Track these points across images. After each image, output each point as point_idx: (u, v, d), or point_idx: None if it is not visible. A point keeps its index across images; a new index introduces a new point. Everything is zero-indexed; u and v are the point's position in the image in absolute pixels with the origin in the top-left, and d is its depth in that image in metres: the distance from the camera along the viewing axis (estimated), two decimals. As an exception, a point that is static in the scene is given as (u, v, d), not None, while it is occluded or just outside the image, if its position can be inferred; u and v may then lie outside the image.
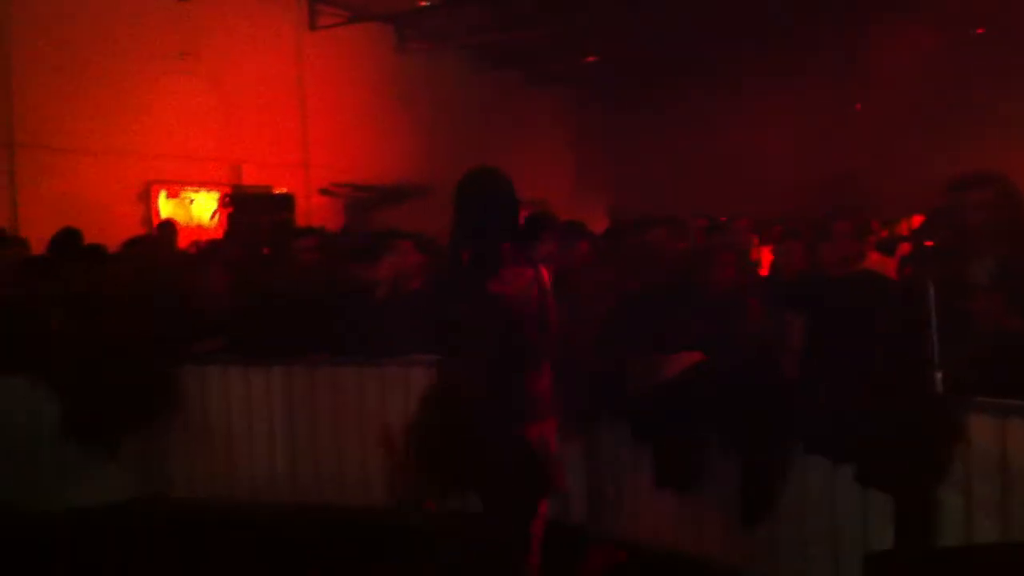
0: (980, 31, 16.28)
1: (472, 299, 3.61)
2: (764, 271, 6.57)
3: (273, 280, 6.71)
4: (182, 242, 9.02)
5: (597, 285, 5.39)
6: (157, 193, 12.30)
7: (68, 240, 7.45)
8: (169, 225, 8.96)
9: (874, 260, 5.40)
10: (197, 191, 12.83)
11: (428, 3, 15.07)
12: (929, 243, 6.57)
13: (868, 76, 17.07)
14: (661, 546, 4.92)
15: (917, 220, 7.79)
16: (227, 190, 12.51)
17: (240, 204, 11.30)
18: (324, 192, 14.64)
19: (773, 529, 4.44)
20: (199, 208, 12.74)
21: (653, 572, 4.80)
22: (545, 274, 3.76)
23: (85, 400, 5.83)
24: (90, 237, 7.37)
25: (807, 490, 4.34)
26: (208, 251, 8.21)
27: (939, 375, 3.99)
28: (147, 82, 11.93)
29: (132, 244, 7.69)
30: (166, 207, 12.31)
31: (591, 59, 18.26)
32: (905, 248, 6.78)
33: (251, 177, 13.50)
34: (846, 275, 4.86)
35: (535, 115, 19.47)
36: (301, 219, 12.98)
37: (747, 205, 12.99)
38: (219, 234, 11.13)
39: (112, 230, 8.22)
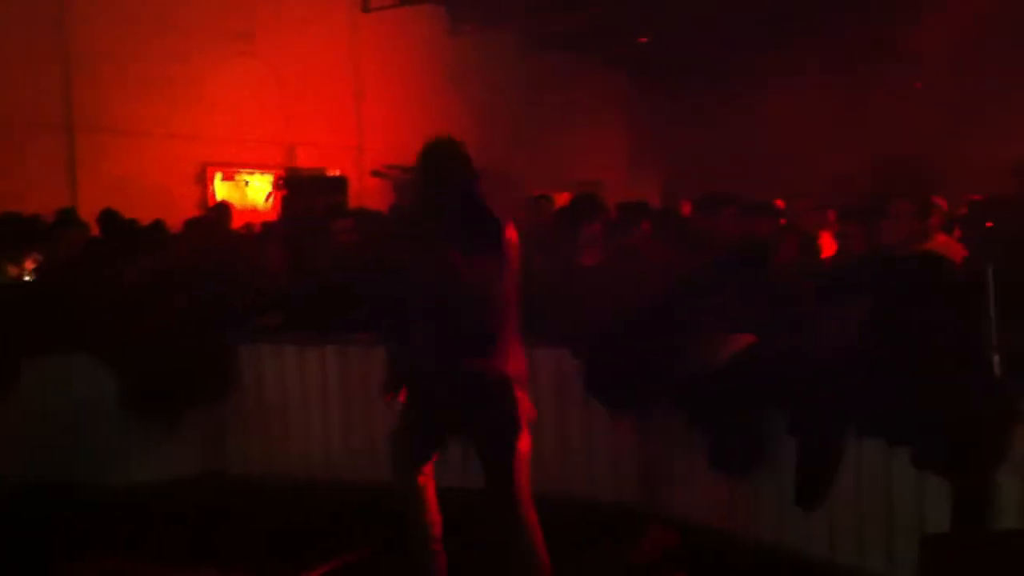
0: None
1: (428, 261, 3.78)
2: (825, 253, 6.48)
3: (326, 260, 6.78)
4: (236, 224, 9.15)
5: (656, 265, 5.37)
6: (213, 175, 12.48)
7: (109, 220, 7.65)
8: (224, 207, 9.08)
9: (940, 242, 5.27)
10: (252, 173, 12.98)
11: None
12: (989, 224, 6.45)
13: (926, 53, 16.70)
14: (714, 527, 4.90)
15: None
16: (281, 172, 12.64)
17: (294, 186, 11.40)
18: (376, 174, 14.72)
19: (828, 511, 4.40)
20: (254, 190, 12.89)
21: (706, 553, 4.77)
22: (513, 240, 3.85)
23: (146, 378, 5.96)
24: (148, 219, 7.52)
25: (863, 473, 4.30)
26: (265, 231, 8.32)
27: (997, 358, 3.94)
28: (203, 65, 12.06)
29: (191, 225, 7.83)
30: (222, 189, 12.47)
31: (643, 39, 18.10)
32: (958, 232, 6.65)
33: (305, 159, 13.62)
34: (906, 256, 4.77)
35: (588, 96, 19.33)
36: (354, 201, 13.06)
37: (802, 185, 12.85)
38: (273, 216, 11.26)
39: (169, 212, 8.33)
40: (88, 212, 8.06)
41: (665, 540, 4.89)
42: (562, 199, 8.67)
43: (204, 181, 12.37)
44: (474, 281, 3.74)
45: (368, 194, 13.97)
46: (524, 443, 3.94)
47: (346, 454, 6.02)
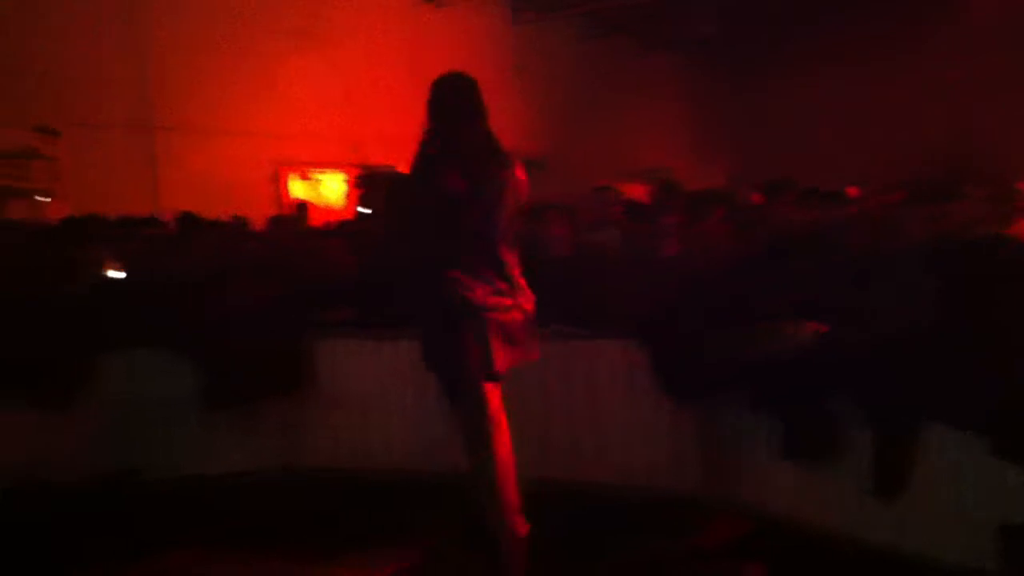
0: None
1: (427, 187, 4.03)
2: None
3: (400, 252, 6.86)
4: (314, 222, 9.33)
5: (726, 253, 5.37)
6: (286, 173, 12.69)
7: (189, 220, 7.89)
8: (303, 205, 9.29)
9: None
10: (323, 171, 13.18)
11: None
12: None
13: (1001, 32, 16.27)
14: (783, 517, 4.87)
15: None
16: (351, 170, 12.80)
17: (370, 184, 11.53)
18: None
19: (903, 501, 4.35)
20: (327, 188, 13.06)
21: (774, 543, 4.76)
22: (522, 180, 4.01)
23: (222, 372, 6.10)
24: (225, 217, 7.73)
25: (939, 461, 4.25)
26: (340, 226, 8.46)
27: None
28: (273, 62, 12.31)
29: (273, 223, 8.01)
30: (297, 187, 12.67)
31: (707, 23, 17.92)
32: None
33: (373, 156, 13.79)
34: (978, 239, 4.73)
35: (651, 82, 19.20)
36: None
37: (870, 170, 12.64)
38: (350, 214, 11.43)
39: (246, 211, 8.53)
40: (169, 210, 8.28)
41: (733, 530, 4.89)
42: (627, 189, 8.66)
43: (279, 179, 12.60)
44: (459, 204, 3.89)
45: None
46: (488, 383, 4.04)
47: (422, 447, 6.05)
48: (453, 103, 4.15)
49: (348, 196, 12.16)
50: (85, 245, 6.82)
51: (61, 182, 10.11)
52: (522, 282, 4.17)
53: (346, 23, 13.48)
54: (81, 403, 5.95)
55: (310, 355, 6.31)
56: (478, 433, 4.12)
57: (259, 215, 8.64)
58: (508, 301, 4.07)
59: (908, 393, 4.31)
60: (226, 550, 5.08)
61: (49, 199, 10.03)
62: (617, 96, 17.79)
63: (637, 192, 8.99)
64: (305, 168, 12.91)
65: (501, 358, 4.06)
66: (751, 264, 5.29)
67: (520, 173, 4.05)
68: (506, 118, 16.34)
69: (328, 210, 12.28)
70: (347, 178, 12.21)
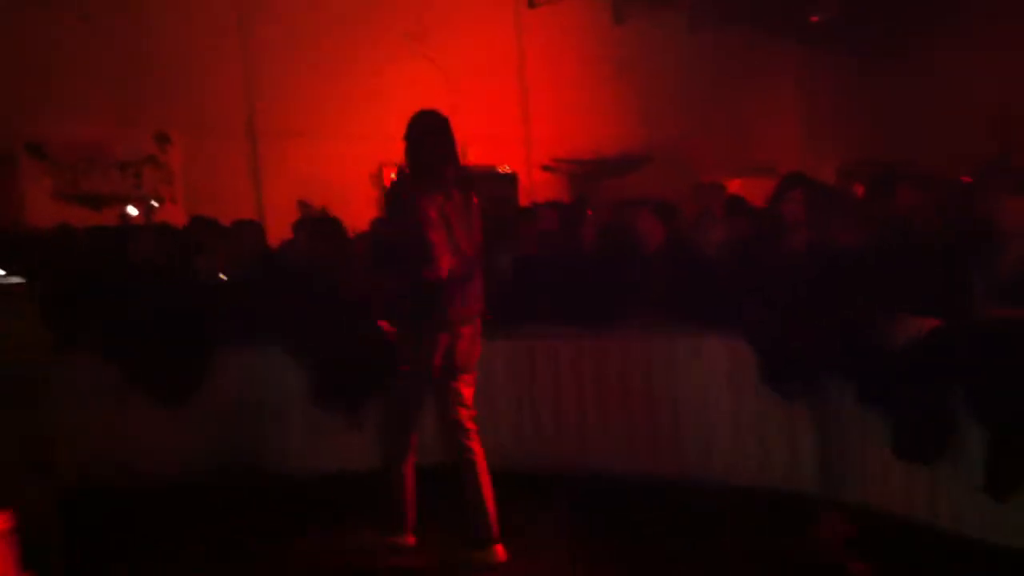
0: None
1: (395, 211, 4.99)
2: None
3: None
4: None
5: (833, 246, 5.20)
6: (388, 175, 12.78)
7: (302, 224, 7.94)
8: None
9: None
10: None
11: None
12: None
13: None
14: (894, 514, 4.77)
15: None
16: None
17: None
18: (546, 168, 14.76)
19: (1017, 500, 4.17)
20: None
21: (887, 542, 4.65)
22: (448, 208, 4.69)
23: (327, 370, 6.15)
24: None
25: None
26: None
27: None
28: (376, 65, 12.35)
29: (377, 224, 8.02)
30: (398, 189, 12.73)
31: (818, 12, 17.37)
32: None
33: (475, 156, 13.76)
34: None
35: (759, 73, 18.73)
36: (523, 196, 13.13)
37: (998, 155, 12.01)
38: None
39: (347, 212, 8.57)
40: (272, 215, 8.39)
41: (843, 528, 4.79)
42: (733, 185, 8.45)
43: (380, 180, 12.69)
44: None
45: (538, 188, 14.01)
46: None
47: (553, 443, 6.10)
48: (433, 140, 4.97)
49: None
50: (204, 246, 6.97)
51: (171, 187, 10.36)
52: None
53: (450, 27, 13.51)
54: (198, 400, 6.18)
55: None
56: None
57: (361, 216, 8.68)
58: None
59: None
60: (341, 541, 5.20)
61: (160, 204, 10.30)
62: (725, 88, 17.41)
63: (754, 186, 8.71)
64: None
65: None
66: (856, 257, 5.08)
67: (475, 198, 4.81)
68: (610, 116, 16.38)
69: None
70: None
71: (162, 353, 6.18)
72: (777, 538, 4.82)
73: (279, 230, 8.05)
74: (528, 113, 14.84)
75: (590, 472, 5.87)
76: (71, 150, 9.87)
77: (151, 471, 6.06)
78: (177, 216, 9.93)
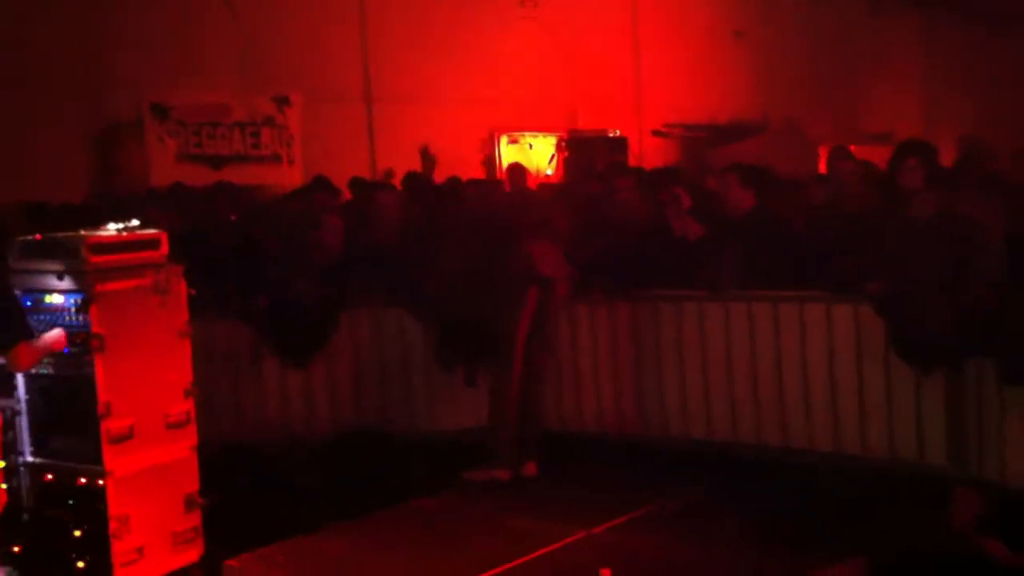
0: None
1: None
2: None
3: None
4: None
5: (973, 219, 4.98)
6: (499, 139, 12.80)
7: (414, 182, 8.01)
8: (518, 167, 9.17)
9: None
10: (535, 136, 13.19)
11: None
12: None
13: None
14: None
15: None
16: (563, 135, 12.76)
17: (575, 148, 11.46)
18: (656, 133, 14.58)
19: None
20: (537, 153, 13.07)
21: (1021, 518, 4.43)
22: None
23: (446, 331, 6.20)
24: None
25: None
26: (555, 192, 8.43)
27: None
28: (490, 31, 12.39)
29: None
30: (508, 153, 12.76)
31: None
32: None
33: (586, 121, 13.68)
34: None
35: (879, 45, 18.14)
36: (633, 161, 13.00)
37: None
38: (556, 178, 11.37)
39: (459, 175, 8.61)
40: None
41: (976, 505, 4.64)
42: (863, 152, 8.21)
43: (492, 145, 12.72)
44: None
45: (648, 153, 13.87)
46: None
47: (638, 410, 6.02)
48: None
49: (554, 159, 12.14)
50: (330, 206, 7.05)
51: (290, 148, 10.55)
52: None
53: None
54: (326, 362, 6.24)
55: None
56: None
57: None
58: None
59: None
60: (464, 501, 5.36)
61: (279, 164, 10.51)
62: (844, 59, 16.93)
63: (870, 154, 8.45)
64: (518, 133, 12.96)
65: None
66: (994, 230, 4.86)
67: None
68: (723, 83, 16.03)
69: (536, 174, 12.27)
70: (557, 142, 12.20)
71: (294, 314, 6.24)
72: (915, 516, 4.72)
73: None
74: (640, 79, 14.67)
75: (716, 446, 5.71)
76: (194, 112, 10.13)
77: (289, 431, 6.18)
78: (294, 176, 10.12)
